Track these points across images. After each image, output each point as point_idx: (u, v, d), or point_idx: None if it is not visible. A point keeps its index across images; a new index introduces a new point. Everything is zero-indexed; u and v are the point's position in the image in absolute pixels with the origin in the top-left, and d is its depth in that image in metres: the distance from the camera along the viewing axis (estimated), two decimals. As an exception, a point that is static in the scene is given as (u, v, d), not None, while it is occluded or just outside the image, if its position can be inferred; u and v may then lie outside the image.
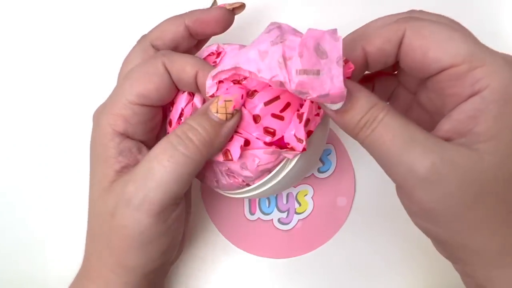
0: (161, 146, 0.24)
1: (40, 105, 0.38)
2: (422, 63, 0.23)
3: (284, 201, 0.36)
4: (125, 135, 0.26)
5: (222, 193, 0.30)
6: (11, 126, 0.38)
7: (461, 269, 0.25)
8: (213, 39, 0.31)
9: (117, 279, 0.26)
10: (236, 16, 0.30)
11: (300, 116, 0.24)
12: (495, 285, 0.23)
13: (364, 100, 0.22)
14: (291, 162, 0.26)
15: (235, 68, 0.23)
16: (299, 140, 0.24)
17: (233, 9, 0.29)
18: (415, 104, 0.28)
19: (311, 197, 0.36)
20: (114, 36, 0.39)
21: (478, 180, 0.21)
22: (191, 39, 0.29)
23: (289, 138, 0.25)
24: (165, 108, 0.28)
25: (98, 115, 0.27)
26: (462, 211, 0.21)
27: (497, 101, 0.21)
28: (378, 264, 0.35)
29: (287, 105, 0.25)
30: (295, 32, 0.23)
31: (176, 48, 0.29)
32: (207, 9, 0.29)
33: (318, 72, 0.21)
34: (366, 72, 0.26)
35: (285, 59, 0.21)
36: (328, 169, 0.37)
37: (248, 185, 0.27)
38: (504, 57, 0.22)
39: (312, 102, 0.24)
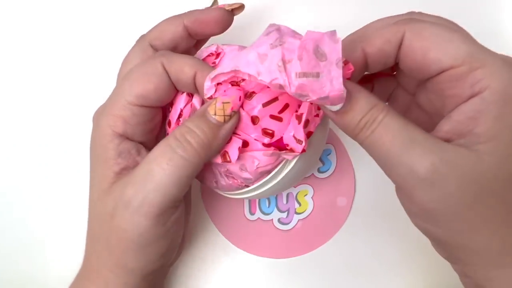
0: (160, 149, 0.24)
1: (40, 105, 0.38)
2: (422, 64, 0.23)
3: (284, 201, 0.36)
4: (125, 136, 0.26)
5: (222, 193, 0.30)
6: (11, 126, 0.38)
7: (460, 270, 0.25)
8: (212, 39, 0.31)
9: (117, 279, 0.26)
10: (235, 17, 0.30)
11: (299, 117, 0.24)
12: (495, 285, 0.23)
13: (364, 101, 0.22)
14: (290, 163, 0.26)
15: (235, 71, 0.23)
16: (299, 141, 0.24)
17: (232, 9, 0.29)
18: (414, 105, 0.28)
19: (311, 197, 0.36)
20: (113, 36, 0.39)
21: (478, 181, 0.21)
22: (190, 39, 0.29)
23: (288, 139, 0.25)
24: (164, 109, 0.28)
25: (98, 116, 0.27)
26: (462, 211, 0.22)
27: (497, 102, 0.21)
28: (378, 264, 0.35)
29: (286, 106, 0.25)
30: (294, 34, 0.22)
31: (175, 48, 0.29)
32: (206, 9, 0.29)
33: (317, 75, 0.21)
34: (366, 72, 0.26)
35: (284, 62, 0.21)
36: (328, 169, 0.37)
37: (247, 186, 0.27)
38: (503, 58, 0.22)
39: (311, 103, 0.24)
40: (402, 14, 0.25)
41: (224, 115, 0.24)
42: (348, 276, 0.35)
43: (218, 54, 0.27)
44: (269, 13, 0.39)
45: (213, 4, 0.30)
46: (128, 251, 0.25)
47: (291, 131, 0.25)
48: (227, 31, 0.29)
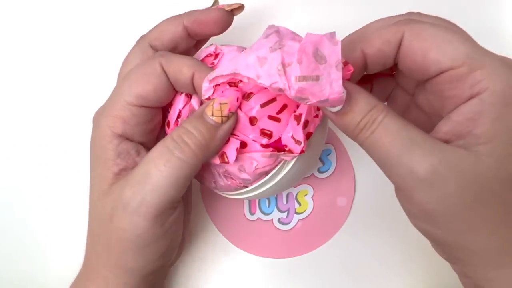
0: (157, 150, 0.24)
1: (40, 106, 0.38)
2: (421, 65, 0.23)
3: (284, 201, 0.36)
4: (124, 137, 0.26)
5: (221, 193, 0.30)
6: (11, 126, 0.38)
7: (459, 270, 0.25)
8: (212, 39, 0.31)
9: (116, 279, 0.26)
10: (235, 17, 0.30)
11: (297, 118, 0.24)
12: (494, 285, 0.23)
13: (363, 102, 0.22)
14: (289, 164, 0.26)
15: (234, 74, 0.23)
16: (297, 142, 0.24)
17: (232, 10, 0.29)
18: (412, 105, 0.28)
19: (311, 197, 0.36)
20: (114, 36, 0.39)
21: (477, 181, 0.21)
22: (190, 39, 0.29)
23: (286, 140, 0.25)
24: (164, 110, 0.28)
25: (98, 117, 0.27)
26: (462, 212, 0.22)
27: (496, 104, 0.21)
28: (378, 264, 0.35)
29: (284, 107, 0.25)
30: (294, 36, 0.22)
31: (175, 48, 0.29)
32: (206, 9, 0.29)
33: (317, 78, 0.21)
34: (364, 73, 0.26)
35: (284, 65, 0.21)
36: (328, 169, 0.37)
37: (246, 186, 0.27)
38: (502, 59, 0.22)
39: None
40: (401, 15, 0.25)
41: (221, 116, 0.24)
42: (348, 276, 0.35)
43: (216, 55, 0.27)
44: (269, 13, 0.39)
45: (213, 4, 0.30)
46: (127, 252, 0.25)
47: (290, 132, 0.25)
48: (227, 31, 0.29)
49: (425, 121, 0.27)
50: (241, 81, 0.24)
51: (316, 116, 0.25)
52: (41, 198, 0.37)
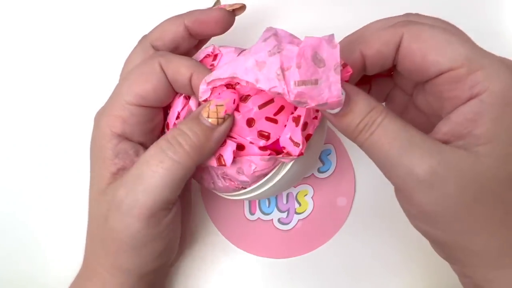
0: (152, 151, 0.25)
1: (41, 106, 0.38)
2: (420, 67, 0.23)
3: (284, 201, 0.36)
4: (123, 136, 0.26)
5: (219, 194, 0.30)
6: (11, 126, 0.38)
7: (459, 270, 0.25)
8: (213, 39, 0.31)
9: (113, 279, 0.26)
10: (238, 17, 0.30)
11: (296, 120, 0.24)
12: (494, 286, 0.23)
13: (363, 103, 0.22)
14: (287, 166, 0.26)
15: (232, 77, 0.23)
16: (296, 144, 0.24)
17: (234, 10, 0.29)
18: (411, 105, 0.28)
19: (311, 197, 0.36)
20: (115, 36, 0.39)
21: (477, 182, 0.21)
22: (192, 39, 0.29)
23: (284, 142, 0.25)
24: (165, 111, 0.28)
25: (98, 117, 0.27)
26: (461, 213, 0.22)
27: (496, 104, 0.21)
28: (378, 264, 0.35)
29: (281, 108, 0.25)
30: (292, 38, 0.22)
31: (176, 48, 0.29)
32: (207, 9, 0.29)
33: (316, 82, 0.21)
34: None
35: (283, 70, 0.21)
36: (328, 169, 0.37)
37: (244, 188, 0.27)
38: (501, 60, 0.22)
39: None
40: (399, 16, 0.25)
41: (217, 118, 0.24)
42: (348, 276, 0.35)
43: (215, 56, 0.27)
44: (271, 13, 0.39)
45: (215, 4, 0.30)
46: (122, 252, 0.25)
47: (288, 134, 0.25)
48: (230, 31, 0.29)
49: (423, 121, 0.27)
50: (238, 83, 0.24)
51: (315, 117, 0.25)
52: (41, 198, 0.37)
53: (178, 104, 0.27)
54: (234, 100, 0.24)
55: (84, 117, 0.29)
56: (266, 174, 0.26)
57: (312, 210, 0.36)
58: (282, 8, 0.39)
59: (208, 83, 0.24)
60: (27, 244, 0.36)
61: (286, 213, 0.36)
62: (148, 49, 0.28)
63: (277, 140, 0.25)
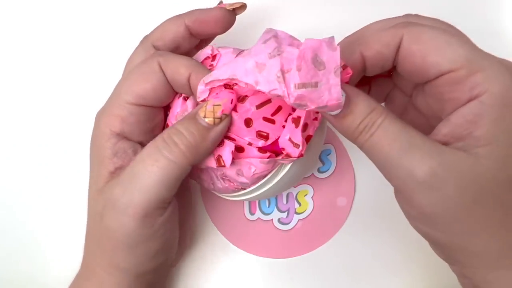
0: (147, 150, 0.24)
1: (40, 105, 0.38)
2: (420, 68, 0.23)
3: (284, 201, 0.36)
4: (122, 136, 0.26)
5: (219, 195, 0.30)
6: (11, 126, 0.38)
7: (458, 271, 0.25)
8: (216, 39, 0.31)
9: (111, 278, 0.26)
10: (239, 16, 0.30)
11: (295, 121, 0.24)
12: (493, 287, 0.23)
13: (363, 104, 0.22)
14: (286, 167, 0.26)
15: (232, 79, 0.23)
16: (296, 145, 0.24)
17: (234, 9, 0.29)
18: (410, 106, 0.28)
19: (311, 197, 0.36)
20: (116, 36, 0.39)
21: (477, 184, 0.21)
22: (193, 39, 0.29)
23: (284, 143, 0.25)
24: (166, 111, 0.28)
25: (99, 116, 0.27)
26: (461, 214, 0.22)
27: (496, 106, 0.21)
28: (378, 264, 0.35)
29: (279, 108, 0.25)
30: (292, 40, 0.22)
31: (177, 48, 0.29)
32: (207, 9, 0.29)
33: (316, 84, 0.21)
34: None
35: (283, 72, 0.21)
36: (328, 169, 0.37)
37: (243, 189, 0.27)
38: (501, 62, 0.22)
39: None
40: (399, 17, 0.25)
41: (214, 118, 0.24)
42: (347, 276, 0.35)
43: (214, 56, 0.27)
44: (272, 12, 0.39)
45: (220, 3, 0.30)
46: (117, 251, 0.25)
47: (287, 135, 0.25)
48: (229, 31, 0.29)
49: (423, 122, 0.27)
50: (236, 84, 0.24)
51: (315, 119, 0.25)
52: (41, 198, 0.37)
53: (177, 106, 0.27)
54: (232, 100, 0.24)
55: (85, 117, 0.29)
56: (266, 176, 0.26)
57: (312, 210, 0.36)
58: (282, 8, 0.39)
59: (207, 84, 0.24)
60: (27, 244, 0.36)
61: (286, 213, 0.36)
62: (149, 49, 0.28)
63: (276, 141, 0.25)
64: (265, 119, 0.25)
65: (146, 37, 0.29)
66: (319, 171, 0.37)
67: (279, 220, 0.36)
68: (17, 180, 0.37)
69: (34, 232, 0.37)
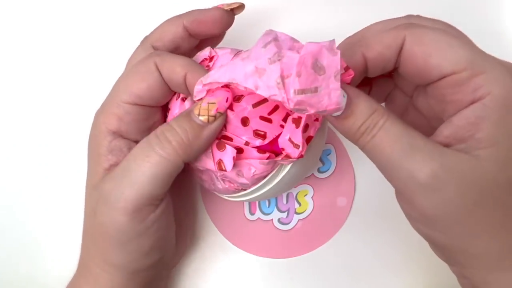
0: (140, 146, 0.25)
1: (40, 105, 0.38)
2: (422, 70, 0.23)
3: (284, 201, 0.36)
4: (118, 134, 0.26)
5: (219, 195, 0.30)
6: (11, 126, 0.38)
7: (458, 271, 0.25)
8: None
9: (105, 275, 0.26)
10: (237, 17, 0.29)
11: (296, 121, 0.24)
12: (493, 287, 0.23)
13: (364, 105, 0.22)
14: (286, 168, 0.26)
15: (231, 83, 0.23)
16: (296, 146, 0.24)
17: (232, 9, 0.29)
18: (411, 107, 0.28)
19: (311, 197, 0.36)
20: (115, 37, 0.39)
21: (478, 186, 0.21)
22: (192, 39, 0.29)
23: (283, 143, 0.25)
24: (164, 110, 0.28)
25: (97, 114, 0.27)
26: (462, 216, 0.22)
27: (498, 108, 0.21)
28: (378, 264, 0.35)
29: (275, 107, 0.25)
30: (293, 42, 0.22)
31: (177, 48, 0.29)
32: (206, 9, 0.29)
33: (316, 90, 0.21)
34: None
35: (283, 78, 0.21)
36: (328, 169, 0.37)
37: (244, 189, 0.27)
38: (504, 64, 0.22)
39: None
40: (400, 18, 0.25)
41: (208, 116, 0.24)
42: (347, 276, 0.35)
43: (211, 58, 0.27)
44: (272, 13, 0.39)
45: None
46: (110, 247, 0.25)
47: (287, 135, 0.24)
48: (230, 31, 0.29)
49: (423, 123, 0.27)
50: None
51: (316, 119, 0.25)
52: (41, 198, 0.37)
53: (176, 107, 0.27)
54: (227, 98, 0.24)
55: (84, 117, 0.29)
56: (266, 176, 0.26)
57: (312, 210, 0.36)
58: (282, 8, 0.39)
59: (205, 85, 0.24)
60: (27, 244, 0.36)
61: (286, 213, 0.36)
62: (149, 49, 0.28)
63: (275, 141, 0.25)
64: (262, 118, 0.25)
65: (145, 38, 0.29)
66: (319, 171, 0.37)
67: (279, 220, 0.36)
68: (17, 180, 0.37)
69: (34, 232, 0.37)
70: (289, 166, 0.26)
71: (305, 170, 0.29)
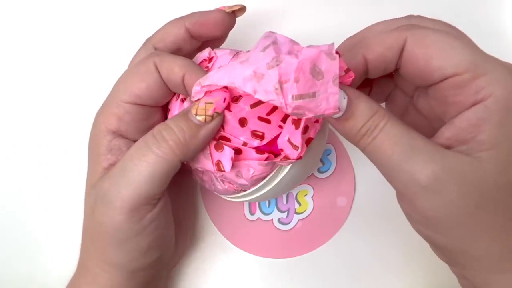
0: (137, 145, 0.25)
1: (40, 105, 0.38)
2: (424, 71, 0.23)
3: (284, 201, 0.36)
4: (118, 133, 0.26)
5: (220, 196, 0.30)
6: (11, 126, 0.38)
7: (458, 272, 0.25)
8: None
9: (103, 274, 0.26)
10: (239, 19, 0.29)
11: (296, 122, 0.24)
12: None
13: (365, 107, 0.22)
14: (285, 169, 0.26)
15: (230, 87, 0.23)
16: (295, 147, 0.24)
17: (233, 11, 0.29)
18: (411, 107, 0.28)
19: (311, 197, 0.36)
20: (116, 38, 0.39)
21: (479, 188, 0.21)
22: (194, 41, 0.29)
23: (282, 144, 0.25)
24: (165, 110, 0.28)
25: (97, 114, 0.27)
26: (463, 218, 0.22)
27: (500, 110, 0.21)
28: (378, 264, 0.35)
29: (274, 108, 0.25)
30: (292, 45, 0.22)
31: (179, 50, 0.29)
32: (207, 11, 0.29)
33: (314, 94, 0.21)
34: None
35: (281, 83, 0.21)
36: (328, 169, 0.37)
37: (244, 190, 0.27)
38: (505, 66, 0.22)
39: None
40: (401, 18, 0.25)
41: (205, 115, 0.24)
42: (347, 276, 0.35)
43: (210, 59, 0.27)
44: (273, 14, 0.39)
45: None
46: (108, 247, 0.25)
47: (286, 136, 0.24)
48: (231, 32, 0.29)
49: (424, 123, 0.27)
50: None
51: (317, 121, 0.25)
52: (41, 198, 0.37)
53: (176, 108, 0.27)
54: (225, 98, 0.24)
55: (84, 117, 0.29)
56: (265, 177, 0.26)
57: (312, 210, 0.36)
58: (282, 10, 0.39)
59: (203, 86, 0.24)
60: (27, 244, 0.36)
61: (286, 213, 0.36)
62: (151, 51, 0.28)
63: (274, 142, 0.25)
64: (260, 118, 0.25)
65: (148, 40, 0.29)
66: (319, 171, 0.37)
67: (279, 220, 0.36)
68: (17, 180, 0.37)
69: (34, 232, 0.36)
70: (288, 167, 0.26)
71: (305, 171, 0.29)
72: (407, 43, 0.23)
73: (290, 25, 0.38)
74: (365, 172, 0.36)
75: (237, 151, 0.25)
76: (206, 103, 0.24)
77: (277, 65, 0.21)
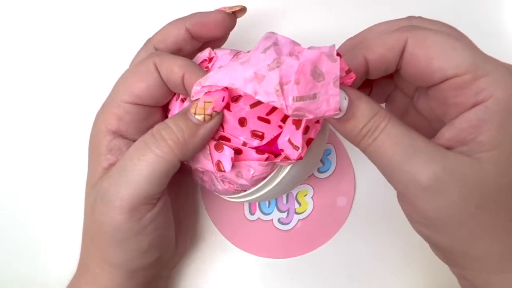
0: (136, 145, 0.25)
1: (40, 105, 0.38)
2: (425, 73, 0.23)
3: (284, 201, 0.36)
4: (118, 133, 0.26)
5: (220, 196, 0.30)
6: (11, 126, 0.38)
7: (458, 273, 0.25)
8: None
9: (103, 274, 0.26)
10: (240, 19, 0.29)
11: (296, 123, 0.24)
12: None
13: (365, 108, 0.22)
14: (285, 169, 0.26)
15: (231, 88, 0.23)
16: (295, 147, 0.24)
17: (234, 12, 0.29)
18: (411, 108, 0.28)
19: (311, 197, 0.36)
20: (118, 39, 0.39)
21: (480, 189, 0.21)
22: (194, 42, 0.29)
23: (283, 144, 0.25)
24: (165, 110, 0.28)
25: (98, 114, 0.27)
26: (464, 219, 0.22)
27: (501, 111, 0.21)
28: (378, 264, 0.35)
29: (274, 108, 0.25)
30: (293, 46, 0.22)
31: (179, 50, 0.29)
32: (208, 12, 0.29)
33: (314, 96, 0.21)
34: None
35: (281, 85, 0.21)
36: (328, 169, 0.37)
37: (244, 190, 0.27)
38: (505, 66, 0.22)
39: None
40: (402, 19, 0.25)
41: (204, 114, 0.24)
42: (348, 276, 0.35)
43: (211, 59, 0.27)
44: (274, 15, 0.39)
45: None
46: (108, 246, 0.25)
47: (286, 136, 0.24)
48: (232, 33, 0.29)
49: (424, 124, 0.27)
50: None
51: (317, 121, 0.25)
52: (41, 198, 0.37)
53: (176, 108, 0.27)
54: (224, 98, 0.24)
55: (85, 117, 0.29)
56: (265, 178, 0.26)
57: (312, 210, 0.36)
58: (283, 10, 0.39)
59: (203, 86, 0.24)
60: (27, 244, 0.36)
61: (286, 213, 0.36)
62: (151, 51, 0.28)
63: (274, 142, 0.25)
64: (260, 118, 0.25)
65: (148, 40, 0.29)
66: (319, 171, 0.37)
67: (279, 220, 0.36)
68: (17, 180, 0.37)
69: (34, 232, 0.36)
70: (288, 168, 0.26)
71: (305, 172, 0.29)
72: (408, 44, 0.23)
73: (290, 25, 0.38)
74: (365, 172, 0.36)
75: (237, 151, 0.25)
76: (205, 102, 0.24)
77: (278, 66, 0.21)
